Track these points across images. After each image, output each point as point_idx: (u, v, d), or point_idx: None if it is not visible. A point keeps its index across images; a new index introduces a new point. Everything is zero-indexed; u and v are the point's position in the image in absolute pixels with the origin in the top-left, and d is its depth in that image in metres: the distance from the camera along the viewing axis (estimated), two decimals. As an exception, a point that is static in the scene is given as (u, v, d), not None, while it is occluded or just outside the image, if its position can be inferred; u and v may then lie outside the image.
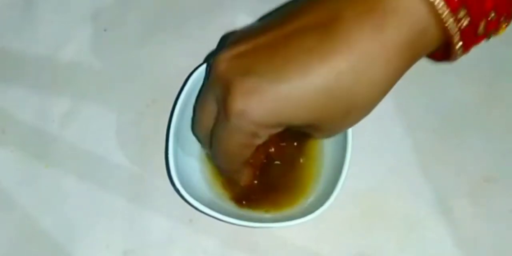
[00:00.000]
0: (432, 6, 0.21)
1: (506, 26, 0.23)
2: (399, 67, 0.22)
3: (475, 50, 0.37)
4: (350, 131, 0.30)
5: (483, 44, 0.37)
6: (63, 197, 0.33)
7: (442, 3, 0.21)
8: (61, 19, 0.37)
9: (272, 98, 0.22)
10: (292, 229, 0.32)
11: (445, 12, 0.21)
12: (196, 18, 0.37)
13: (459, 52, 0.23)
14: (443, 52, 0.24)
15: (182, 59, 0.35)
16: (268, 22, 0.24)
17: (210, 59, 0.31)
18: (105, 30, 0.37)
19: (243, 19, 0.37)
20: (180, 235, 0.32)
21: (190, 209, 0.31)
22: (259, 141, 0.25)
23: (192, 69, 0.33)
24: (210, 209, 0.28)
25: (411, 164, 0.33)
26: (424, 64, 0.36)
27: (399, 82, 0.36)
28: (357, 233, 0.32)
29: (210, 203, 0.31)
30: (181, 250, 0.32)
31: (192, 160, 0.32)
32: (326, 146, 0.32)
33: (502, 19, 0.22)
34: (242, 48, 0.23)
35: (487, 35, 0.23)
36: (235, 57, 0.23)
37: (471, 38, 0.22)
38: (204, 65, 0.31)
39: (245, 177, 0.31)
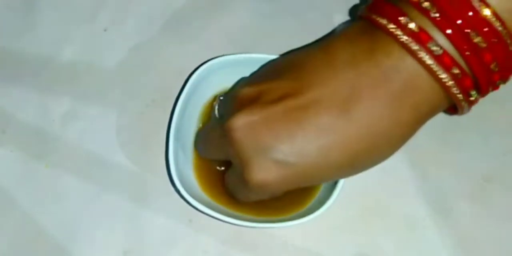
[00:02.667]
0: (448, 90, 0.22)
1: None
2: (409, 137, 0.24)
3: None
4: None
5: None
6: (63, 197, 0.33)
7: (456, 87, 0.22)
8: (61, 19, 0.37)
9: (290, 174, 0.23)
10: (292, 229, 0.32)
11: (459, 94, 0.22)
12: (196, 19, 0.37)
13: (466, 111, 0.24)
14: (450, 108, 0.25)
15: (182, 59, 0.35)
16: (282, 81, 0.24)
17: (209, 60, 0.31)
18: (105, 30, 0.37)
19: (243, 19, 0.37)
20: (180, 235, 0.32)
21: (190, 209, 0.31)
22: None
23: (192, 69, 0.33)
24: (210, 209, 0.28)
25: (411, 164, 0.33)
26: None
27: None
28: (357, 233, 0.32)
29: (210, 203, 0.31)
30: (181, 250, 0.32)
31: (193, 160, 0.32)
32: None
33: (506, 82, 0.24)
34: (257, 117, 0.23)
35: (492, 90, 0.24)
36: (250, 126, 0.23)
37: (477, 100, 0.24)
38: (205, 65, 0.31)
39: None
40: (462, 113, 0.24)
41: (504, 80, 0.23)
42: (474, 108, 0.34)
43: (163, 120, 0.33)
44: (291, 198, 0.31)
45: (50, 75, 0.36)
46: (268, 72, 0.26)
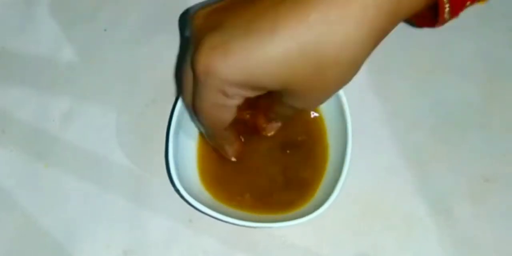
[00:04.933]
0: None
1: None
2: (378, 27, 0.21)
3: (476, 50, 0.38)
4: (350, 131, 0.30)
5: (483, 44, 0.37)
6: (63, 197, 0.33)
7: None
8: (61, 19, 0.37)
9: (238, 54, 0.21)
10: (292, 229, 0.32)
11: None
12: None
13: (447, 15, 0.22)
14: (429, 17, 0.22)
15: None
16: None
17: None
18: (105, 30, 0.37)
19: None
20: (180, 235, 0.32)
21: (190, 209, 0.31)
22: (233, 102, 0.24)
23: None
24: (210, 209, 0.28)
25: (411, 164, 0.33)
26: (424, 64, 0.36)
27: (399, 82, 0.36)
28: (357, 233, 0.32)
29: (210, 203, 0.31)
30: (181, 250, 0.32)
31: (192, 160, 0.32)
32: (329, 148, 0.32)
33: None
34: (217, 5, 0.23)
35: None
36: (209, 13, 0.23)
37: (459, 4, 0.21)
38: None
39: (232, 149, 0.30)
40: (441, 14, 0.21)
41: None
42: (474, 108, 0.35)
43: (163, 120, 0.33)
44: (289, 197, 0.31)
45: (50, 75, 0.36)
46: None
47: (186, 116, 0.31)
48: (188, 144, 0.32)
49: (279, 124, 0.31)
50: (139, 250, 0.32)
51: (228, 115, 0.25)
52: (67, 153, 0.34)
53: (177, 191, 0.29)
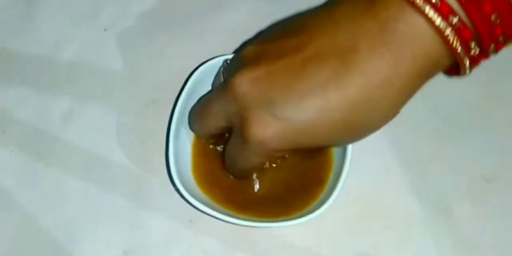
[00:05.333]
0: (445, 39, 0.21)
1: None
2: (411, 92, 0.23)
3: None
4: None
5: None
6: (63, 197, 0.33)
7: (454, 37, 0.21)
8: (61, 19, 0.37)
9: (289, 128, 0.23)
10: (292, 229, 0.32)
11: (458, 45, 0.21)
12: (196, 18, 0.37)
13: (467, 71, 0.24)
14: (452, 67, 0.24)
15: (182, 59, 0.35)
16: (285, 39, 0.24)
17: (209, 60, 0.31)
18: (105, 30, 0.37)
19: (244, 19, 0.37)
20: (180, 235, 0.32)
21: (190, 209, 0.31)
22: (275, 160, 0.27)
23: (192, 69, 0.33)
24: (210, 209, 0.28)
25: (411, 164, 0.33)
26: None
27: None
28: (357, 233, 0.32)
29: (210, 203, 0.31)
30: (181, 250, 0.32)
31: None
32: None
33: (509, 39, 0.23)
34: (258, 72, 0.23)
35: (495, 52, 0.24)
36: (251, 81, 0.23)
37: (479, 59, 0.23)
38: (205, 65, 0.31)
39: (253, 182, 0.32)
40: (464, 71, 0.24)
41: (508, 36, 0.23)
42: (474, 108, 0.35)
43: (163, 120, 0.33)
44: (292, 199, 0.31)
45: (50, 75, 0.36)
46: (272, 33, 0.26)
47: (186, 116, 0.31)
48: (188, 144, 0.32)
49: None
50: (139, 250, 0.32)
51: (261, 167, 0.28)
52: (67, 153, 0.34)
53: (177, 191, 0.29)
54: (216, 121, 0.27)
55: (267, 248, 0.32)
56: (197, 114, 0.30)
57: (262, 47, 0.25)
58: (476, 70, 0.35)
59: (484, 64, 0.36)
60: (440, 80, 0.35)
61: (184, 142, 0.32)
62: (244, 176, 0.31)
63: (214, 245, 0.32)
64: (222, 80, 0.29)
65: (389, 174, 0.33)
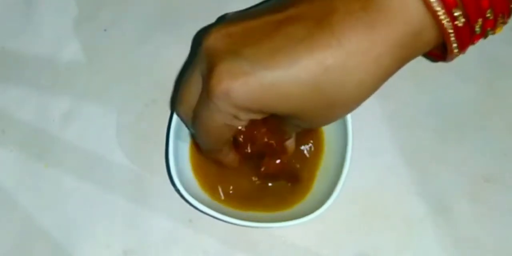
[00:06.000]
0: (427, 5, 0.20)
1: (504, 24, 0.22)
2: (389, 67, 0.22)
3: (475, 50, 0.37)
4: (350, 131, 0.30)
5: (483, 43, 0.37)
6: (63, 197, 0.33)
7: (437, 2, 0.20)
8: (61, 19, 0.37)
9: (256, 84, 0.22)
10: (292, 229, 0.32)
11: (441, 11, 0.20)
12: (195, 18, 0.37)
13: (455, 51, 0.22)
14: (440, 51, 0.23)
15: (182, 59, 0.35)
16: (263, 8, 0.24)
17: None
18: (105, 30, 0.37)
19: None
20: (180, 235, 0.32)
21: (190, 209, 0.31)
22: (239, 124, 0.25)
23: (192, 69, 0.33)
24: (210, 209, 0.28)
25: (411, 164, 0.33)
26: (424, 64, 0.36)
27: (399, 82, 0.36)
28: (357, 233, 0.32)
29: (210, 203, 0.31)
30: (181, 250, 0.32)
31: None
32: (326, 146, 0.32)
33: (499, 18, 0.22)
34: (234, 28, 0.23)
35: (483, 34, 0.22)
36: (225, 35, 0.23)
37: (467, 37, 0.22)
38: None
39: (228, 160, 0.30)
40: (450, 50, 0.22)
41: (496, 11, 0.21)
42: (474, 108, 0.35)
43: (163, 120, 0.33)
44: (285, 194, 0.31)
45: (50, 75, 0.36)
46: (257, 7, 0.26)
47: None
48: (188, 144, 0.32)
49: (293, 139, 0.31)
50: (139, 250, 0.32)
51: (231, 134, 0.26)
52: (67, 153, 0.34)
53: (177, 191, 0.29)
54: (194, 87, 0.25)
55: (267, 248, 0.32)
56: (178, 91, 0.28)
57: (243, 12, 0.25)
58: (476, 70, 0.36)
59: (485, 64, 0.36)
60: (440, 80, 0.36)
61: (185, 142, 0.32)
62: (212, 149, 0.29)
63: (214, 245, 0.32)
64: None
65: (389, 174, 0.33)
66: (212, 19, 0.37)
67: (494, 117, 0.34)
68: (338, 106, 0.23)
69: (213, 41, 0.23)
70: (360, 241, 0.32)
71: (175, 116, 0.30)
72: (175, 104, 0.29)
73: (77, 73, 0.36)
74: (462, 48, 0.22)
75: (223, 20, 0.25)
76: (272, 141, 0.29)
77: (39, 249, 0.32)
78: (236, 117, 0.24)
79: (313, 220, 0.28)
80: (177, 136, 0.31)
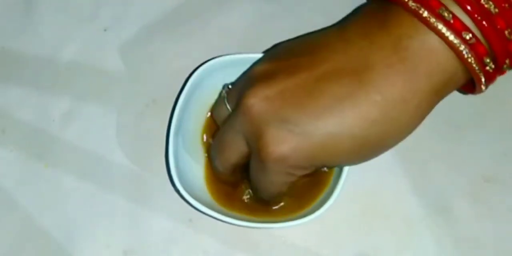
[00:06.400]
0: (460, 55, 0.21)
1: None
2: (427, 109, 0.23)
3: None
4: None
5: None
6: (63, 197, 0.33)
7: (469, 53, 0.21)
8: (61, 19, 0.37)
9: (307, 145, 0.23)
10: (292, 229, 0.32)
11: (473, 61, 0.21)
12: (196, 18, 0.37)
13: (483, 88, 0.24)
14: (468, 84, 0.24)
15: (182, 59, 0.35)
16: (296, 58, 0.24)
17: (209, 60, 0.31)
18: (105, 30, 0.37)
19: (244, 19, 0.37)
20: (180, 235, 0.32)
21: (190, 209, 0.31)
22: (295, 178, 0.26)
23: (192, 69, 0.33)
24: (210, 209, 0.28)
25: (411, 164, 0.33)
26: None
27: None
28: (357, 233, 0.32)
29: (210, 203, 0.31)
30: (181, 250, 0.32)
31: (192, 160, 0.32)
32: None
33: None
34: (271, 90, 0.23)
35: (510, 68, 0.23)
36: (264, 99, 0.23)
37: (494, 75, 0.23)
38: (205, 65, 0.31)
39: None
40: (479, 88, 0.24)
41: None
42: (474, 108, 0.35)
43: (163, 120, 0.33)
44: (292, 203, 0.31)
45: (50, 75, 0.36)
46: (282, 51, 0.26)
47: (186, 116, 0.31)
48: (188, 144, 0.32)
49: None
50: (139, 250, 0.32)
51: (287, 186, 0.27)
52: (67, 153, 0.34)
53: (177, 191, 0.29)
54: (235, 148, 0.26)
55: (267, 248, 0.32)
56: (216, 147, 0.29)
57: (272, 66, 0.24)
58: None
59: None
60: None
61: (185, 142, 0.32)
62: (273, 200, 0.30)
63: (214, 245, 0.32)
64: (227, 105, 0.28)
65: (389, 174, 0.33)
66: (213, 19, 0.37)
67: (494, 117, 0.34)
68: (383, 150, 0.25)
69: (253, 107, 0.23)
70: (360, 241, 0.32)
71: (175, 116, 0.30)
72: (213, 158, 0.29)
73: (77, 73, 0.36)
74: (490, 83, 0.24)
75: (252, 73, 0.25)
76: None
77: (38, 249, 0.32)
78: (292, 174, 0.25)
79: (314, 220, 0.28)
80: (177, 136, 0.31)
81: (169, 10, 0.37)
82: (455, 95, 0.35)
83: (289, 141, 0.23)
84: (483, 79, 0.23)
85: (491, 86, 0.35)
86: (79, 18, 0.37)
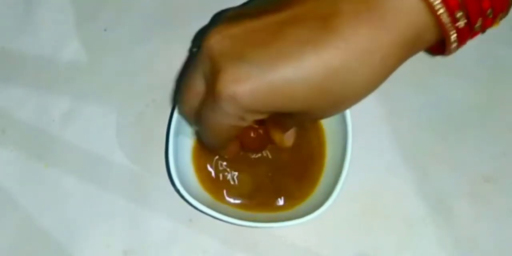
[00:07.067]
0: (430, 7, 0.21)
1: (501, 20, 0.23)
2: (392, 65, 0.22)
3: (475, 50, 0.38)
4: (350, 131, 0.30)
5: (483, 44, 0.37)
6: (63, 197, 0.33)
7: (440, 5, 0.21)
8: (61, 19, 0.37)
9: (263, 87, 0.22)
10: (292, 229, 0.32)
11: (444, 14, 0.21)
12: (196, 18, 0.37)
13: (453, 47, 0.23)
14: (438, 46, 0.23)
15: (182, 59, 0.35)
16: (263, 4, 0.24)
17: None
18: (105, 30, 0.37)
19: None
20: (180, 235, 0.32)
21: (190, 209, 0.31)
22: (245, 123, 0.25)
23: (192, 69, 0.33)
24: (210, 209, 0.28)
25: (411, 164, 0.33)
26: (424, 64, 0.36)
27: (399, 82, 0.36)
28: (357, 233, 0.32)
29: (210, 203, 0.31)
30: (181, 250, 0.32)
31: (193, 160, 0.32)
32: (326, 146, 0.32)
33: (498, 15, 0.22)
34: (235, 29, 0.23)
35: (482, 30, 0.23)
36: (227, 37, 0.23)
37: (467, 35, 0.22)
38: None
39: (229, 151, 0.30)
40: (449, 47, 0.23)
41: (496, 11, 0.22)
42: (474, 108, 0.35)
43: (163, 120, 0.33)
44: (292, 190, 0.31)
45: (50, 75, 0.36)
46: (253, 2, 0.26)
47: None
48: (188, 144, 0.32)
49: (293, 132, 0.31)
50: (139, 250, 0.32)
51: (235, 132, 0.26)
52: (67, 153, 0.34)
53: (177, 191, 0.29)
54: (194, 88, 0.25)
55: (267, 248, 0.32)
56: (179, 92, 0.28)
57: (242, 10, 0.24)
58: (476, 70, 0.36)
59: (484, 64, 0.36)
60: (440, 81, 0.36)
61: (185, 141, 0.32)
62: (217, 146, 0.29)
63: (214, 245, 0.32)
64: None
65: (389, 174, 0.33)
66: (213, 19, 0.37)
67: (494, 117, 0.34)
68: (344, 103, 0.23)
69: (215, 43, 0.23)
70: (360, 241, 0.32)
71: (175, 116, 0.30)
72: (177, 103, 0.28)
73: (77, 73, 0.36)
74: (461, 43, 0.23)
75: (221, 18, 0.25)
76: (262, 134, 0.30)
77: (38, 249, 0.32)
78: (242, 118, 0.24)
79: (313, 220, 0.28)
80: (177, 136, 0.31)
81: (169, 10, 0.37)
82: (455, 95, 0.35)
83: (245, 80, 0.22)
84: (453, 36, 0.22)
85: (490, 87, 0.35)
86: (79, 18, 0.37)
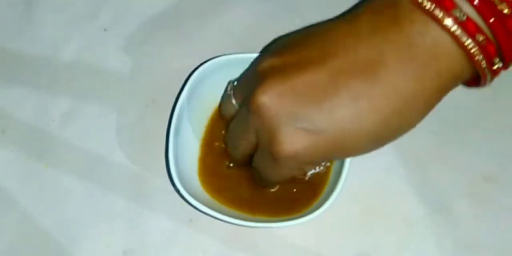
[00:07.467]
0: (468, 54, 0.22)
1: None
2: (434, 105, 0.24)
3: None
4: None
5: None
6: (63, 197, 0.33)
7: (478, 52, 0.21)
8: (61, 19, 0.37)
9: (321, 142, 0.23)
10: (292, 229, 0.32)
11: (483, 63, 0.22)
12: (196, 18, 0.37)
13: (488, 83, 0.24)
14: (472, 80, 0.25)
15: (182, 59, 0.35)
16: (306, 52, 0.24)
17: (209, 60, 0.31)
18: (105, 30, 0.37)
19: (244, 19, 0.37)
20: (180, 235, 0.32)
21: (190, 209, 0.31)
22: (304, 172, 0.27)
23: (192, 69, 0.33)
24: (210, 209, 0.28)
25: (411, 164, 0.33)
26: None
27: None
28: (357, 233, 0.32)
29: (210, 203, 0.31)
30: (181, 250, 0.32)
31: (192, 160, 0.32)
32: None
33: None
34: (284, 86, 0.23)
35: None
36: (277, 96, 0.23)
37: (500, 71, 0.24)
38: (205, 65, 0.31)
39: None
40: (484, 84, 0.24)
41: None
42: (475, 108, 0.35)
43: (163, 120, 0.33)
44: (292, 200, 0.31)
45: (50, 75, 0.36)
46: (288, 44, 0.26)
47: (186, 116, 0.31)
48: (188, 144, 0.32)
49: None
50: (139, 250, 0.32)
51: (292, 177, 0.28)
52: (67, 153, 0.34)
53: (177, 191, 0.29)
54: (246, 142, 0.26)
55: (267, 248, 0.32)
56: (230, 139, 0.30)
57: (279, 60, 0.24)
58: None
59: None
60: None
61: (185, 142, 0.32)
62: (274, 186, 0.31)
63: (214, 245, 0.32)
64: (233, 102, 0.28)
65: (389, 174, 0.33)
66: (213, 19, 0.37)
67: (494, 118, 0.34)
68: (385, 144, 0.25)
69: (265, 103, 0.23)
70: (360, 241, 0.32)
71: (175, 116, 0.30)
72: (228, 148, 0.30)
73: (77, 73, 0.36)
74: (494, 77, 0.24)
75: (266, 56, 0.25)
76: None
77: (38, 249, 0.32)
78: (302, 168, 0.26)
79: (313, 220, 0.28)
80: (177, 136, 0.31)
81: (169, 10, 0.37)
82: (455, 95, 0.35)
83: (303, 139, 0.23)
84: (489, 76, 0.23)
85: (491, 87, 0.35)
86: (79, 18, 0.37)
